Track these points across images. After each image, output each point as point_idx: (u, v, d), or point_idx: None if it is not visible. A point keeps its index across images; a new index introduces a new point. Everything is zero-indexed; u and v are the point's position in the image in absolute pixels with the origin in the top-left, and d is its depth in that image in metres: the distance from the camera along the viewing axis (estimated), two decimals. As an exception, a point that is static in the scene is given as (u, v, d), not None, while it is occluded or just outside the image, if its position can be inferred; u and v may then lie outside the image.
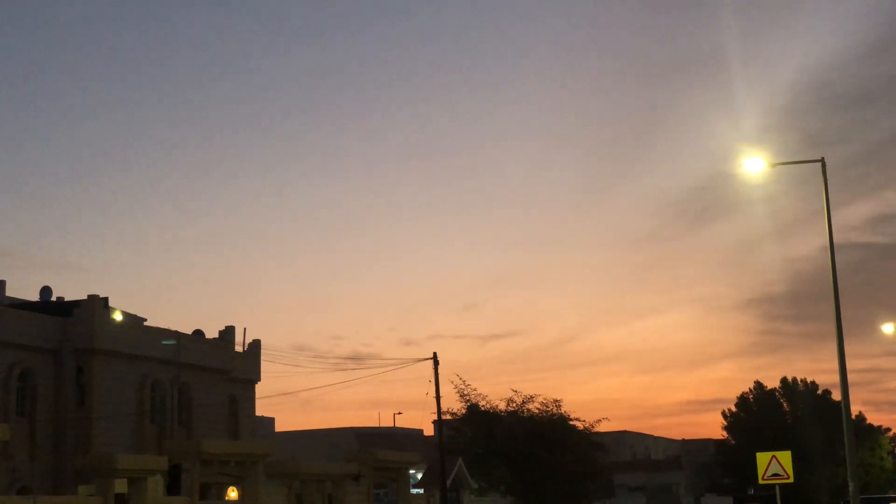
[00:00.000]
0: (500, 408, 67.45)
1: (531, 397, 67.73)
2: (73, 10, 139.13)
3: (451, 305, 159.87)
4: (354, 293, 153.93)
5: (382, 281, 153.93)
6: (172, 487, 41.28)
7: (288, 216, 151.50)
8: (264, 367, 61.81)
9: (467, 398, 66.88)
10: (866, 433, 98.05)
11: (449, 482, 56.80)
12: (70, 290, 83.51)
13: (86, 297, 49.95)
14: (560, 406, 67.83)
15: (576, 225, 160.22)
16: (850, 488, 29.49)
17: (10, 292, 55.20)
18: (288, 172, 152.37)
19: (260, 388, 62.55)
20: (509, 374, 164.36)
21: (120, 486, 38.05)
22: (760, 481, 29.20)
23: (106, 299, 51.02)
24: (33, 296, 55.21)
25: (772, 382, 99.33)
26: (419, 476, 62.34)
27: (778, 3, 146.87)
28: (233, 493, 44.92)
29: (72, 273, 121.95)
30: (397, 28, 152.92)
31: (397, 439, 78.04)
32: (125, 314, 53.13)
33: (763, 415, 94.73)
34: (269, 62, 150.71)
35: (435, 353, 54.40)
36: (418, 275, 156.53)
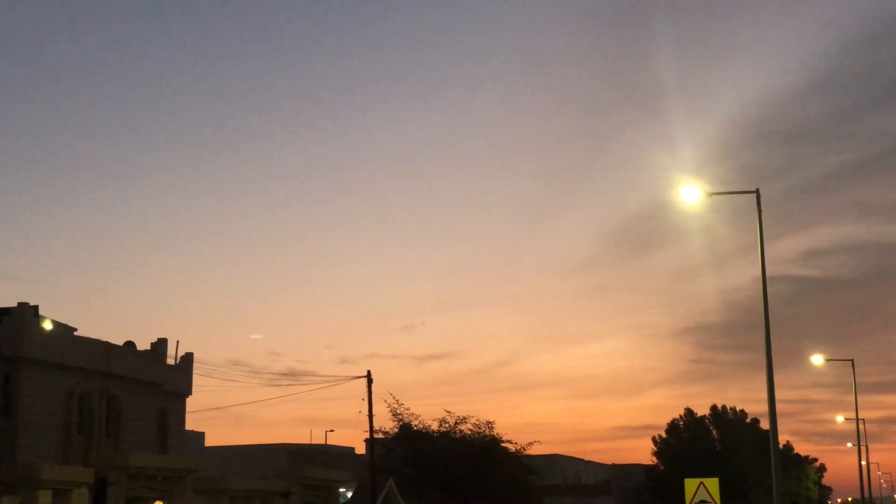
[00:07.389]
0: (432, 428, 67.53)
1: (464, 418, 67.96)
2: (19, 29, 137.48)
3: (389, 325, 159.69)
4: (293, 309, 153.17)
5: (322, 298, 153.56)
6: (98, 500, 40.72)
7: (227, 229, 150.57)
8: (197, 381, 61.08)
9: (400, 417, 66.88)
10: (794, 462, 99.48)
11: (379, 501, 56.60)
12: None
13: (15, 305, 49.11)
14: (492, 428, 68.14)
15: (516, 251, 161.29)
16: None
17: (-62, 299, 54.14)
18: (227, 186, 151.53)
19: (191, 403, 61.79)
20: (444, 395, 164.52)
21: (45, 497, 37.48)
22: (689, 508, 29.36)
23: (36, 308, 50.19)
24: (-39, 302, 54.22)
25: (703, 410, 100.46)
26: (349, 494, 62.04)
27: (717, 41, 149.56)
28: (160, 508, 44.30)
29: (1, 281, 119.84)
30: (344, 48, 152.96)
31: (329, 457, 77.61)
32: (55, 323, 52.29)
33: (692, 441, 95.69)
34: (212, 74, 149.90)
35: (369, 371, 54.38)
36: (358, 293, 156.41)
